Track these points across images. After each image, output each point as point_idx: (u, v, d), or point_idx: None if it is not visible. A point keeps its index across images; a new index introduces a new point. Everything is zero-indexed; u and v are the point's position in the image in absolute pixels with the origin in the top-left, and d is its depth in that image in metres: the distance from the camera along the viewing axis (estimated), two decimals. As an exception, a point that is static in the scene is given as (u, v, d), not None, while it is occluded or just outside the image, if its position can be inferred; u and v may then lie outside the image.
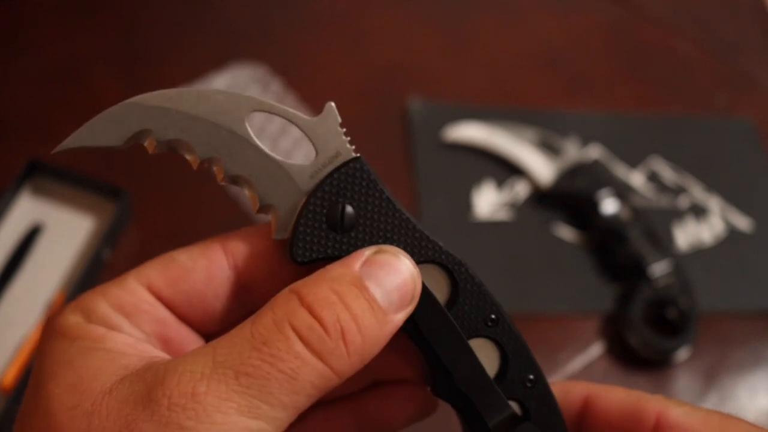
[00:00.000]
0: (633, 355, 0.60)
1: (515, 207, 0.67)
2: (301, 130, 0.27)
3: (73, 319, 0.27)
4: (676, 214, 0.68)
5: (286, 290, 0.25)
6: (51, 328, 0.27)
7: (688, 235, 0.67)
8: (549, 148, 0.69)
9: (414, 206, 0.66)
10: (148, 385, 0.24)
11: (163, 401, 0.23)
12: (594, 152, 0.71)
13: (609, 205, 0.64)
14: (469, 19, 0.81)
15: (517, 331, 0.28)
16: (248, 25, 0.77)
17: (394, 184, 0.66)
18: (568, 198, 0.67)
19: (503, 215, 0.66)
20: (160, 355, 0.27)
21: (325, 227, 0.27)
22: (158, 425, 0.23)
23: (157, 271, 0.28)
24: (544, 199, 0.67)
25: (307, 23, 0.78)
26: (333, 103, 0.28)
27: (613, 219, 0.64)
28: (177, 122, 0.27)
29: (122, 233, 0.61)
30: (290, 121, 0.28)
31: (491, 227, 0.65)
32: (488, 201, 0.67)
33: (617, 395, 0.29)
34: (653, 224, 0.65)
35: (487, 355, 0.28)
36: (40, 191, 0.62)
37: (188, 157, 0.27)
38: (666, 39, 0.82)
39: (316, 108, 0.70)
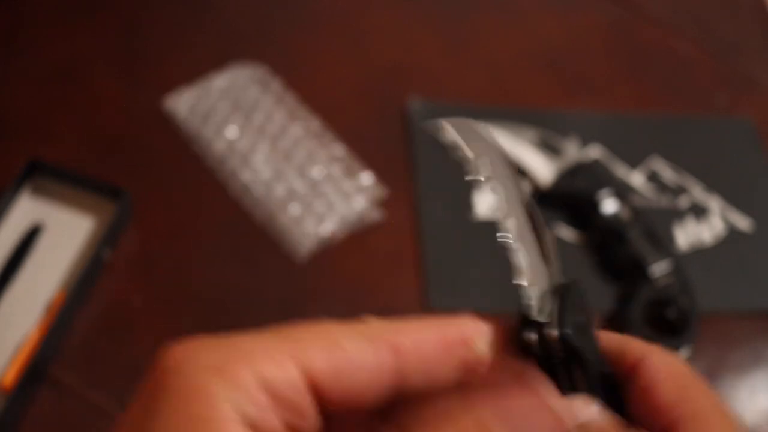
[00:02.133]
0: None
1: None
2: None
3: (205, 380, 0.21)
4: (676, 214, 0.68)
5: (463, 409, 0.24)
6: (173, 377, 0.21)
7: (688, 235, 0.67)
8: (549, 148, 0.69)
9: (414, 206, 0.66)
10: None
11: None
12: (594, 152, 0.71)
13: (609, 205, 0.64)
14: (469, 19, 0.81)
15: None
16: (248, 25, 0.77)
17: (394, 185, 0.66)
18: (568, 198, 0.67)
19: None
20: None
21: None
22: None
23: (319, 354, 0.23)
24: (544, 199, 0.67)
25: (307, 23, 0.78)
26: None
27: (613, 219, 0.64)
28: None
29: (122, 233, 0.61)
30: None
31: (491, 227, 0.65)
32: (488, 201, 0.67)
33: (606, 335, 0.29)
34: (653, 224, 0.65)
35: None
36: (40, 191, 0.62)
37: None
38: (666, 39, 0.82)
39: (316, 108, 0.70)
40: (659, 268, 0.61)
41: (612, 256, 0.63)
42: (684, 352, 0.60)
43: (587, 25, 0.81)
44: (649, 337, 0.59)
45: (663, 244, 0.63)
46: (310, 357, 0.23)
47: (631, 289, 0.61)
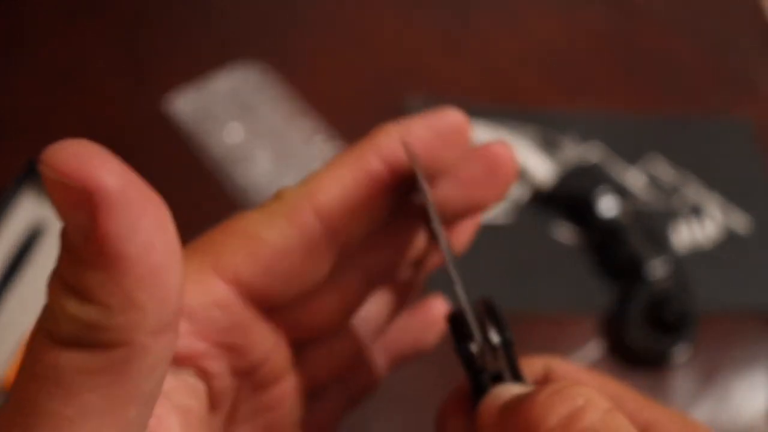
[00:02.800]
0: (631, 356, 0.60)
1: (514, 208, 0.67)
2: None
3: None
4: (675, 214, 0.68)
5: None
6: None
7: (687, 235, 0.67)
8: (548, 147, 0.70)
9: (414, 206, 0.66)
10: None
11: None
12: (593, 152, 0.71)
13: (608, 206, 0.65)
14: (469, 19, 0.81)
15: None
16: (248, 25, 0.77)
17: (393, 184, 0.67)
18: (568, 198, 0.67)
19: (502, 216, 0.66)
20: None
21: None
22: None
23: (243, 259, 0.22)
24: (543, 199, 0.68)
25: (307, 23, 0.78)
26: None
27: (612, 219, 0.64)
28: None
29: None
30: None
31: (491, 228, 0.65)
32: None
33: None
34: (652, 224, 0.65)
35: None
36: (39, 191, 0.63)
37: None
38: (664, 39, 0.82)
39: (316, 108, 0.70)
40: (658, 269, 0.62)
41: (611, 256, 0.64)
42: (683, 353, 0.60)
43: (587, 25, 0.81)
44: (649, 337, 0.59)
45: (662, 245, 0.64)
46: (230, 261, 0.22)
47: (630, 289, 0.61)
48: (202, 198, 0.65)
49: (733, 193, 0.70)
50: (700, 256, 0.66)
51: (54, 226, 0.61)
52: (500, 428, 0.20)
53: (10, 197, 0.61)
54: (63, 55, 0.72)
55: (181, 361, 0.21)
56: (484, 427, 0.21)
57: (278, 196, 0.23)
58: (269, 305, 0.23)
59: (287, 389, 0.25)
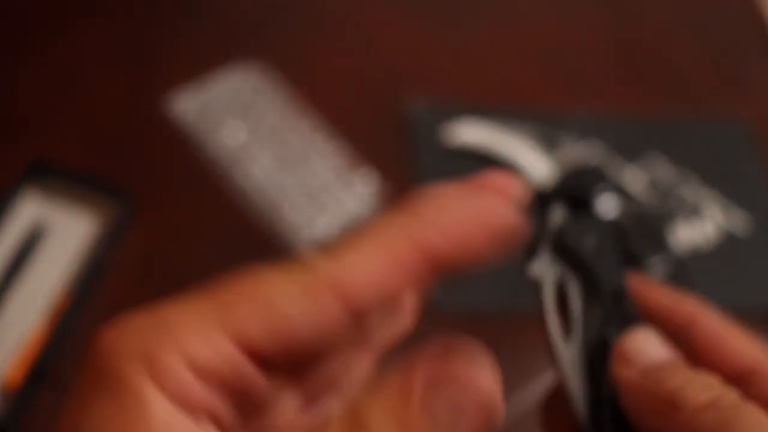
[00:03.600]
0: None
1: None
2: None
3: (130, 368, 0.21)
4: (675, 215, 0.69)
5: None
6: (99, 365, 0.21)
7: (687, 235, 0.67)
8: (548, 147, 0.70)
9: (414, 206, 0.66)
10: None
11: None
12: (593, 151, 0.71)
13: (607, 206, 0.65)
14: (469, 18, 0.81)
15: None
16: (248, 25, 0.77)
17: (395, 184, 0.67)
18: (567, 198, 0.67)
19: (503, 215, 0.67)
20: None
21: None
22: None
23: (251, 320, 0.21)
24: (543, 199, 0.68)
25: (307, 23, 0.78)
26: None
27: (611, 219, 0.64)
28: None
29: (124, 233, 0.62)
30: None
31: (491, 227, 0.65)
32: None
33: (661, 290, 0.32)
34: (651, 224, 0.65)
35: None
36: (40, 191, 0.63)
37: None
38: (665, 40, 0.82)
39: (316, 108, 0.70)
40: (657, 269, 0.62)
41: (611, 256, 0.64)
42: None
43: (587, 25, 0.81)
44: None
45: (661, 245, 0.64)
46: (242, 324, 0.21)
47: (630, 288, 0.62)
48: (203, 197, 0.65)
49: (732, 193, 0.70)
50: (699, 256, 0.66)
51: (53, 225, 0.61)
52: (641, 392, 0.26)
53: (10, 197, 0.61)
54: (63, 55, 0.72)
55: (196, 411, 0.21)
56: (625, 381, 0.27)
57: (303, 263, 0.23)
58: (274, 368, 0.22)
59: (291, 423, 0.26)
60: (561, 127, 0.72)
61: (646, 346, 0.28)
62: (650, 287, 0.32)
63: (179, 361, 0.20)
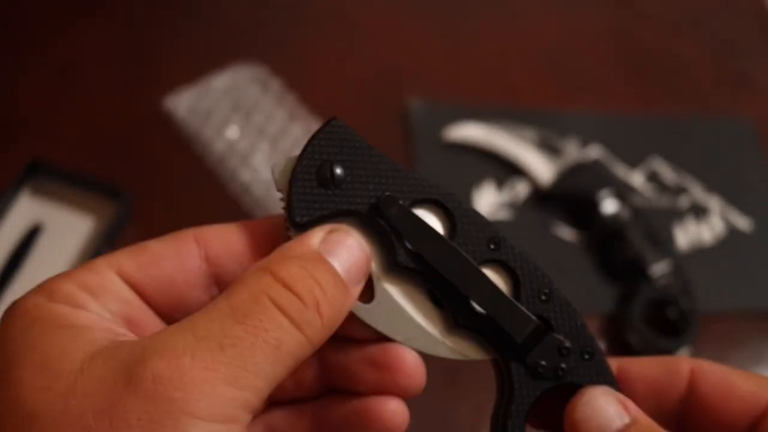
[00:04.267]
0: (633, 355, 0.60)
1: (515, 207, 0.67)
2: None
3: (34, 300, 0.26)
4: (676, 214, 0.68)
5: (255, 268, 0.26)
6: (11, 311, 0.26)
7: (688, 235, 0.67)
8: (549, 148, 0.69)
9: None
10: (126, 362, 0.24)
11: (146, 375, 0.23)
12: (594, 152, 0.71)
13: (609, 205, 0.64)
14: (469, 19, 0.81)
15: (523, 251, 0.29)
16: (248, 25, 0.77)
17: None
18: (568, 198, 0.67)
19: (503, 215, 0.66)
20: (127, 334, 0.26)
21: (317, 186, 0.29)
22: (144, 399, 0.23)
23: (127, 257, 0.28)
24: (544, 199, 0.67)
25: (307, 23, 0.78)
26: None
27: (613, 219, 0.64)
28: None
29: (122, 233, 0.61)
30: None
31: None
32: (488, 201, 0.67)
33: (649, 360, 0.31)
34: (653, 224, 0.65)
35: (499, 278, 0.29)
36: (40, 191, 0.62)
37: None
38: (666, 39, 0.82)
39: (316, 108, 0.70)
40: (659, 268, 0.61)
41: (612, 256, 0.63)
42: (684, 352, 0.60)
43: (587, 25, 0.81)
44: (649, 337, 0.59)
45: (663, 244, 0.63)
46: (119, 260, 0.28)
47: (632, 289, 0.61)
48: (203, 197, 0.65)
49: (734, 193, 0.70)
50: (701, 256, 0.66)
51: (52, 225, 0.61)
52: None
53: (9, 197, 0.61)
54: (63, 55, 0.72)
55: (98, 322, 0.26)
56: None
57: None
58: (154, 302, 0.28)
59: None
60: (561, 130, 0.72)
61: (596, 414, 0.28)
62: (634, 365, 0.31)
63: (69, 284, 0.27)
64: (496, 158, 0.69)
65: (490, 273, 0.29)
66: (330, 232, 0.28)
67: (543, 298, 0.29)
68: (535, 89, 0.76)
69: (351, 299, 0.27)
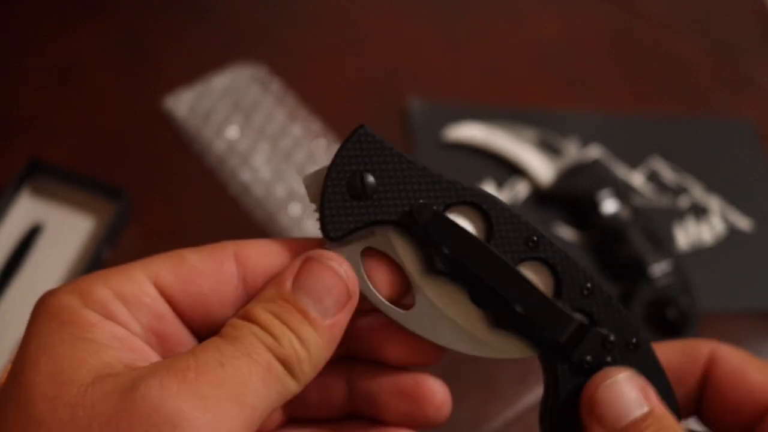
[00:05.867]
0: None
1: (515, 207, 0.67)
2: None
3: (68, 300, 0.26)
4: (676, 214, 0.68)
5: (235, 318, 0.27)
6: (43, 307, 0.26)
7: (688, 235, 0.67)
8: (549, 148, 0.69)
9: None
10: (134, 378, 0.24)
11: (154, 387, 0.24)
12: (594, 152, 0.71)
13: (609, 205, 0.64)
14: (469, 19, 0.81)
15: (561, 246, 0.29)
16: (248, 25, 0.77)
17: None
18: (568, 198, 0.67)
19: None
20: (148, 354, 0.27)
21: (349, 198, 0.28)
22: (151, 411, 0.23)
23: (165, 268, 0.28)
24: (544, 199, 0.67)
25: (307, 23, 0.78)
26: None
27: (613, 219, 0.64)
28: None
29: (122, 233, 0.61)
30: None
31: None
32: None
33: (671, 345, 0.31)
34: (653, 224, 0.65)
35: (539, 276, 0.29)
36: (40, 191, 0.62)
37: None
38: (666, 39, 0.82)
39: (316, 108, 0.70)
40: (659, 268, 0.61)
41: (612, 256, 0.63)
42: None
43: (587, 25, 0.81)
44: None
45: (663, 244, 0.63)
46: (156, 268, 0.28)
47: (632, 289, 0.61)
48: (202, 197, 0.65)
49: (734, 193, 0.70)
50: (701, 256, 0.66)
51: (52, 225, 0.61)
52: None
53: (8, 196, 0.61)
54: (63, 55, 0.72)
55: (120, 324, 0.26)
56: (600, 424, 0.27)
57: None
58: (186, 317, 0.28)
59: None
60: (561, 130, 0.72)
61: (616, 398, 0.28)
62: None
63: (105, 290, 0.26)
64: (496, 158, 0.69)
65: (529, 271, 0.29)
66: (304, 261, 0.28)
67: (585, 292, 0.29)
68: (535, 89, 0.76)
69: (330, 333, 0.27)
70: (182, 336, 0.28)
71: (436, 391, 0.30)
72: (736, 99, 0.78)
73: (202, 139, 0.67)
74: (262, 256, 0.29)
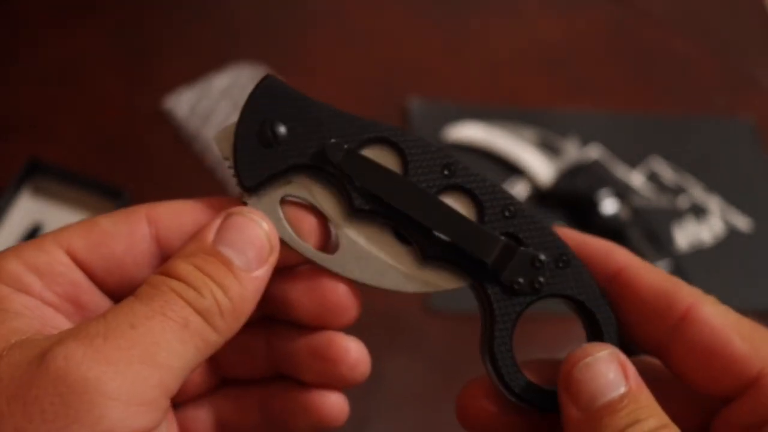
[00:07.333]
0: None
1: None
2: None
3: None
4: (676, 214, 0.68)
5: (154, 275, 0.26)
6: None
7: (688, 235, 0.67)
8: (549, 148, 0.69)
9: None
10: (41, 348, 0.23)
11: (58, 356, 0.23)
12: (594, 152, 0.71)
13: (609, 205, 0.64)
14: (469, 19, 0.81)
15: (476, 171, 0.28)
16: (248, 25, 0.77)
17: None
18: (568, 198, 0.67)
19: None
20: (61, 323, 0.26)
21: (261, 147, 0.28)
22: (56, 381, 0.23)
23: (77, 235, 0.27)
24: (544, 199, 0.67)
25: (307, 23, 0.78)
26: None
27: (613, 219, 0.64)
28: None
29: (122, 233, 0.61)
30: None
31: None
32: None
33: (655, 276, 0.29)
34: (653, 224, 0.65)
35: (460, 204, 0.29)
36: (40, 191, 0.62)
37: None
38: (666, 39, 0.82)
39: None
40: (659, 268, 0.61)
41: (612, 256, 0.63)
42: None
43: (588, 25, 0.81)
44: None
45: (663, 244, 0.63)
46: (67, 236, 0.27)
47: (631, 289, 0.61)
48: (202, 197, 0.65)
49: (734, 193, 0.70)
50: (701, 256, 0.66)
51: (51, 225, 0.61)
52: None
53: (8, 196, 0.61)
54: (63, 55, 0.72)
55: (34, 296, 0.26)
56: (569, 419, 0.26)
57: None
58: (103, 283, 0.28)
59: None
60: (561, 130, 0.72)
61: (593, 378, 0.27)
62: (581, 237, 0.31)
63: (16, 263, 0.26)
64: (496, 158, 0.69)
65: (449, 200, 0.28)
66: (226, 217, 0.28)
67: (507, 214, 0.28)
68: (535, 89, 0.76)
69: (254, 284, 0.27)
70: (101, 302, 0.28)
71: (349, 350, 0.29)
72: (736, 99, 0.78)
73: (202, 139, 0.67)
74: (175, 215, 0.29)
